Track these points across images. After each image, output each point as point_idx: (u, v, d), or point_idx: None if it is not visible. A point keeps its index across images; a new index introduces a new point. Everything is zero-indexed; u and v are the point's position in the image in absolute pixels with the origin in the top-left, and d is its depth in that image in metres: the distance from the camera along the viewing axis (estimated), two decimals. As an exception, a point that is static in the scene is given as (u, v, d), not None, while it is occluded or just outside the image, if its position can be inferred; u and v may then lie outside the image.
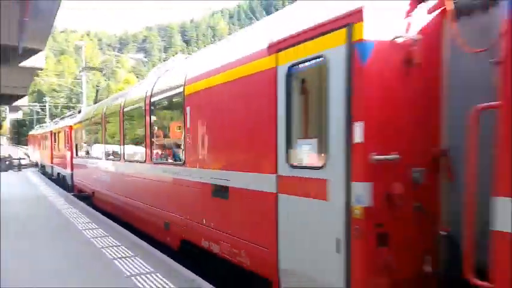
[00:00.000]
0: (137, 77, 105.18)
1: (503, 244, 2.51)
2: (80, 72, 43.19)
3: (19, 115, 24.94)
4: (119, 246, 7.36)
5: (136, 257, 6.58)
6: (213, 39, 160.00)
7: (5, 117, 75.90)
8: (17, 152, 43.39)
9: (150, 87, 8.19)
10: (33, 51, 9.72)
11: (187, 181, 6.41)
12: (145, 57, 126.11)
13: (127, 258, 6.51)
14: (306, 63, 4.07)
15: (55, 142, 21.68)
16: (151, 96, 8.01)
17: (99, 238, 7.96)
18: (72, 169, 16.62)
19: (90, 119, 13.21)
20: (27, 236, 8.29)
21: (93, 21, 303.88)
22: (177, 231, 6.84)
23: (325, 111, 3.76)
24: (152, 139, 8.15)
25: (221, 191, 5.45)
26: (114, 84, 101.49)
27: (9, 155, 35.58)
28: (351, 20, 3.49)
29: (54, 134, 21.76)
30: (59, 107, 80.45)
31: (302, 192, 4.04)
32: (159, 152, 8.14)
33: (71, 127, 16.53)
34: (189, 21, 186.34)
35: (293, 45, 4.16)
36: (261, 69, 4.64)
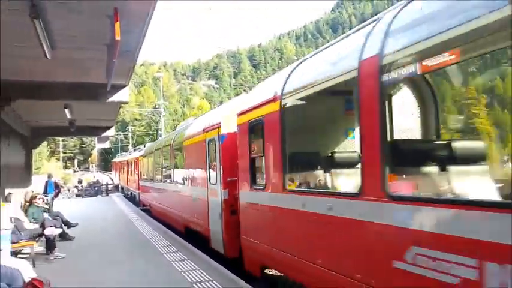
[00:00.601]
0: (209, 102, 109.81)
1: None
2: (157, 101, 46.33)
3: (107, 145, 27.44)
4: (176, 251, 7.51)
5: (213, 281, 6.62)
6: (280, 61, 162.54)
7: (93, 146, 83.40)
8: (103, 178, 47.05)
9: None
10: (119, 87, 10.55)
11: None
12: (216, 84, 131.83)
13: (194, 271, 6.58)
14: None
15: (128, 169, 27.98)
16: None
17: (167, 249, 8.21)
18: (139, 189, 21.61)
19: (149, 153, 18.53)
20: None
21: (169, 53, 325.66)
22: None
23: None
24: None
25: None
26: (188, 110, 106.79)
27: (97, 180, 38.71)
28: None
29: (128, 162, 28.32)
30: (140, 134, 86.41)
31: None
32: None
33: (137, 158, 22.43)
34: (256, 46, 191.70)
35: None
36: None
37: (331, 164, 5.35)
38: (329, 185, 5.31)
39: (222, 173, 8.11)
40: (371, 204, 3.60)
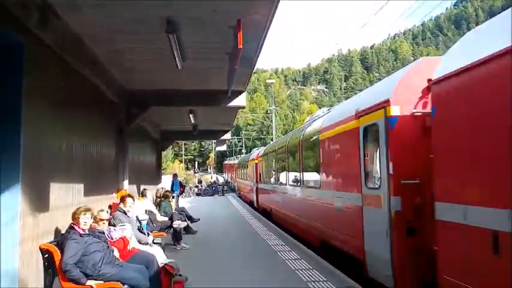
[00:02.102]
0: (319, 107, 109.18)
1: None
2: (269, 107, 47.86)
3: (224, 148, 29.39)
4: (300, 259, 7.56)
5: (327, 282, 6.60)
6: (394, 62, 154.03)
7: (211, 150, 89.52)
8: (220, 179, 50.16)
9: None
10: (238, 93, 11.23)
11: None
12: (326, 88, 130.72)
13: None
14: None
15: (243, 170, 30.02)
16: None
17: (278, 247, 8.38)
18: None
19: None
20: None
21: (280, 59, 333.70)
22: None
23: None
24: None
25: None
26: (298, 115, 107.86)
27: (214, 181, 41.53)
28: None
29: (242, 164, 31.36)
30: (252, 138, 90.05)
31: None
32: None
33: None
34: (369, 47, 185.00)
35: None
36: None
37: None
38: None
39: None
40: None
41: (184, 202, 22.55)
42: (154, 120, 16.50)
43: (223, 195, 33.80)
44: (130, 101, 11.09)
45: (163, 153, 38.80)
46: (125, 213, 7.30)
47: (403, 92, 5.79)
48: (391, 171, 5.66)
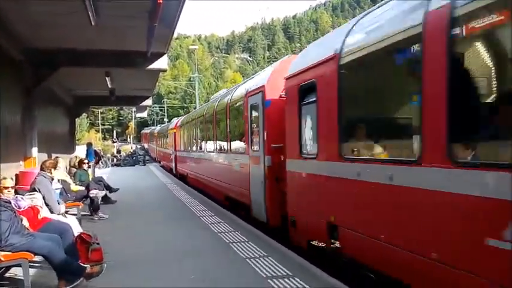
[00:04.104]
0: (243, 75, 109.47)
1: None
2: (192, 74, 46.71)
3: (145, 114, 28.25)
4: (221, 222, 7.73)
5: (249, 242, 6.80)
6: (315, 33, 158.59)
7: (131, 119, 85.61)
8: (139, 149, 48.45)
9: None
10: (158, 55, 10.70)
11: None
12: (250, 57, 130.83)
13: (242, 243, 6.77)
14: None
15: (163, 140, 30.60)
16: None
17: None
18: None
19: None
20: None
21: (203, 25, 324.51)
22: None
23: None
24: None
25: None
26: (222, 83, 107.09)
27: (135, 151, 40.01)
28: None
29: (160, 133, 32.50)
30: (175, 107, 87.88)
31: None
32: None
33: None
34: (291, 17, 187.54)
35: None
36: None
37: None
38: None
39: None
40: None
41: (102, 173, 21.44)
42: (67, 83, 15.18)
43: (144, 165, 32.80)
44: (38, 61, 10.03)
45: (78, 121, 36.23)
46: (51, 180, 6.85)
47: (273, 81, 7.72)
48: (265, 138, 7.67)
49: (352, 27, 5.07)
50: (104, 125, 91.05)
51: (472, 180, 3.07)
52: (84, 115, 40.29)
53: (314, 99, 5.60)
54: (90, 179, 11.49)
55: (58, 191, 8.18)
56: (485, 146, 3.29)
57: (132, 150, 43.53)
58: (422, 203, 3.60)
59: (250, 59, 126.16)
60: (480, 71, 3.54)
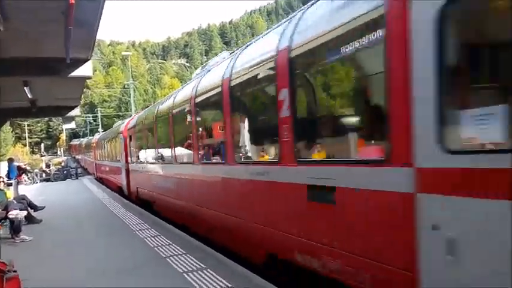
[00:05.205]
0: (181, 81, 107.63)
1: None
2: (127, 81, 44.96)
3: (72, 125, 26.22)
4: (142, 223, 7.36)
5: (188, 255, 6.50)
6: (252, 37, 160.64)
7: (61, 131, 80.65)
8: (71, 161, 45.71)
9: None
10: (81, 61, 10.01)
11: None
12: (187, 62, 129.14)
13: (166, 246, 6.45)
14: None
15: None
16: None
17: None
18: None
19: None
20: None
21: (137, 32, 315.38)
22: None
23: None
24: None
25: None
26: (159, 90, 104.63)
27: (66, 164, 37.56)
28: None
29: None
30: (110, 116, 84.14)
31: None
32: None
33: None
34: (228, 22, 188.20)
35: None
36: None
37: None
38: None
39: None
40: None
41: (29, 190, 19.73)
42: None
43: (77, 178, 30.88)
44: None
45: (2, 135, 33.30)
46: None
47: None
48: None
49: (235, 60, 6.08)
50: (31, 138, 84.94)
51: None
52: (9, 128, 37.14)
53: None
54: (12, 198, 10.46)
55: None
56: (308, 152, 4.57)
57: (63, 164, 40.82)
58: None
59: (188, 65, 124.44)
60: (307, 96, 5.16)
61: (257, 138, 5.92)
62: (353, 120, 4.73)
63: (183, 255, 6.61)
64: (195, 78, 8.66)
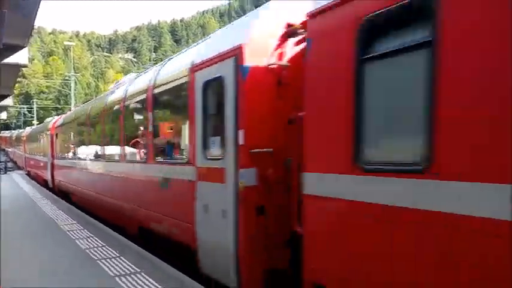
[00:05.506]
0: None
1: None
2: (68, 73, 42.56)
3: (3, 116, 24.20)
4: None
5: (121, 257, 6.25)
6: (203, 37, 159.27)
7: (-9, 120, 74.55)
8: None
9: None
10: (16, 48, 9.33)
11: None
12: (134, 58, 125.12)
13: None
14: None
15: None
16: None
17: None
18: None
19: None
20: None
21: (83, 22, 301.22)
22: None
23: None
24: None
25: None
26: (103, 84, 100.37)
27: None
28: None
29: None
30: (48, 108, 79.28)
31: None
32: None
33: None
34: (179, 20, 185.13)
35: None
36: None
37: None
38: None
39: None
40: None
41: None
42: None
43: (5, 173, 28.73)
44: None
45: None
46: None
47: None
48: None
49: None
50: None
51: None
52: None
53: None
54: None
55: None
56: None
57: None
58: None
59: (135, 60, 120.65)
60: (160, 119, 7.44)
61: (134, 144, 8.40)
62: (176, 138, 6.69)
63: (117, 258, 6.35)
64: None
